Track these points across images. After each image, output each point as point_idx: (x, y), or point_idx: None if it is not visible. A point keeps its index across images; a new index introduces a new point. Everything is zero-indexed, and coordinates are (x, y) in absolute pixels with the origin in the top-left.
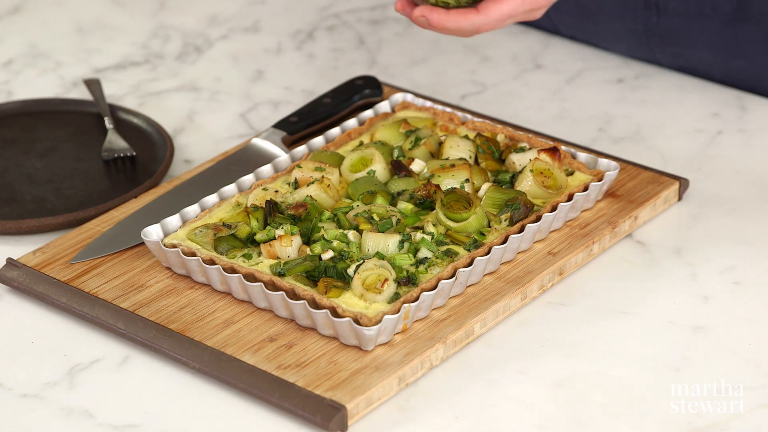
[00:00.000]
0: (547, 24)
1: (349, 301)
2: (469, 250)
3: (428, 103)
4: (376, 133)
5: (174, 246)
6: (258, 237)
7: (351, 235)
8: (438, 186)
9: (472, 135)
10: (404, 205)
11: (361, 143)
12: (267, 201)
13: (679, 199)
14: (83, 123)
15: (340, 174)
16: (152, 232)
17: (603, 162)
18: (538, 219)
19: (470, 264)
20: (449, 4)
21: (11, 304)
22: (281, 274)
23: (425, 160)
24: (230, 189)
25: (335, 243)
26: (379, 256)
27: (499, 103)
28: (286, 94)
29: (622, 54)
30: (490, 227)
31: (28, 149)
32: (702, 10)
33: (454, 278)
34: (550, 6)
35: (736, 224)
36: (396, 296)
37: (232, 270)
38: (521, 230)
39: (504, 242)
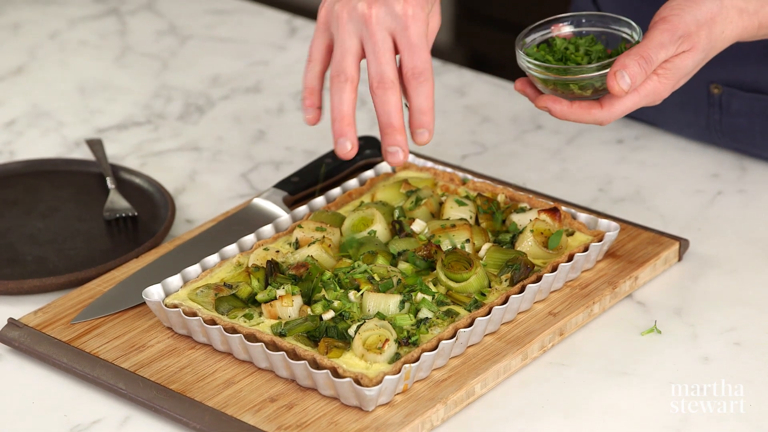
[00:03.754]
0: None
1: (349, 361)
2: (469, 311)
3: (429, 164)
4: (377, 193)
5: (175, 306)
6: (259, 297)
7: (352, 295)
8: (438, 246)
9: (472, 195)
10: (405, 266)
11: (362, 203)
12: (268, 261)
13: (679, 259)
14: (85, 183)
15: (341, 234)
16: (153, 292)
17: (603, 222)
18: (538, 279)
19: (471, 324)
20: (573, 95)
21: (12, 364)
22: (282, 335)
23: (426, 221)
24: (231, 249)
25: (336, 303)
26: (380, 316)
27: (499, 164)
28: (287, 154)
29: (682, 137)
30: (490, 287)
31: (30, 209)
32: (765, 111)
33: (454, 338)
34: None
35: (736, 285)
36: (397, 356)
37: (233, 330)
38: (522, 290)
39: (504, 302)
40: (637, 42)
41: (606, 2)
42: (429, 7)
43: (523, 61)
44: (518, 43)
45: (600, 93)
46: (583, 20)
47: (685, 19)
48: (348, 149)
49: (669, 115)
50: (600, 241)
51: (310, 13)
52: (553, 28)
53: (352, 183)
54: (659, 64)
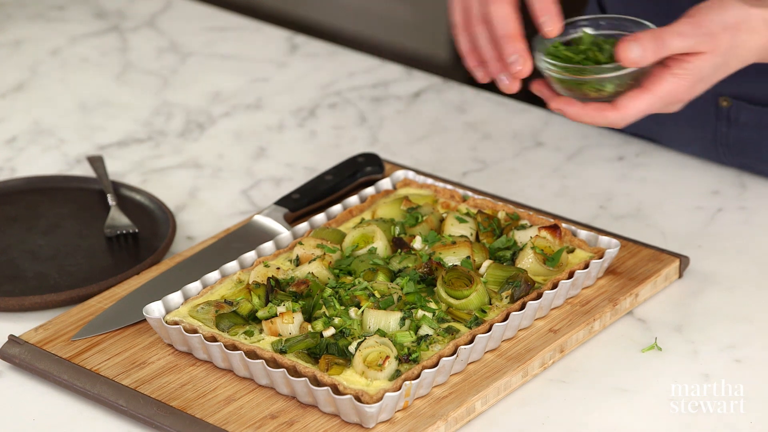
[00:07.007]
0: None
1: (350, 378)
2: (470, 328)
3: (429, 181)
4: (378, 210)
5: (176, 323)
6: (260, 314)
7: (352, 312)
8: (439, 263)
9: (473, 212)
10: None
11: (363, 220)
12: (269, 278)
13: (680, 276)
14: (86, 200)
15: (342, 251)
16: (154, 309)
17: (603, 239)
18: (539, 296)
19: (471, 341)
20: (587, 96)
21: (13, 381)
22: (283, 351)
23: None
24: (232, 266)
25: (337, 320)
26: (381, 333)
27: (500, 181)
28: (288, 171)
29: (688, 153)
30: (491, 304)
31: (31, 226)
32: None
33: (455, 355)
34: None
35: (736, 302)
36: (397, 373)
37: (234, 347)
38: (522, 307)
39: (505, 319)
40: None
41: (613, 3)
42: None
43: (541, 61)
44: (536, 45)
45: (615, 96)
46: (602, 23)
47: (712, 17)
48: (521, 66)
49: (673, 130)
50: (600, 258)
51: (311, 30)
52: (570, 30)
53: (353, 200)
54: (674, 54)
